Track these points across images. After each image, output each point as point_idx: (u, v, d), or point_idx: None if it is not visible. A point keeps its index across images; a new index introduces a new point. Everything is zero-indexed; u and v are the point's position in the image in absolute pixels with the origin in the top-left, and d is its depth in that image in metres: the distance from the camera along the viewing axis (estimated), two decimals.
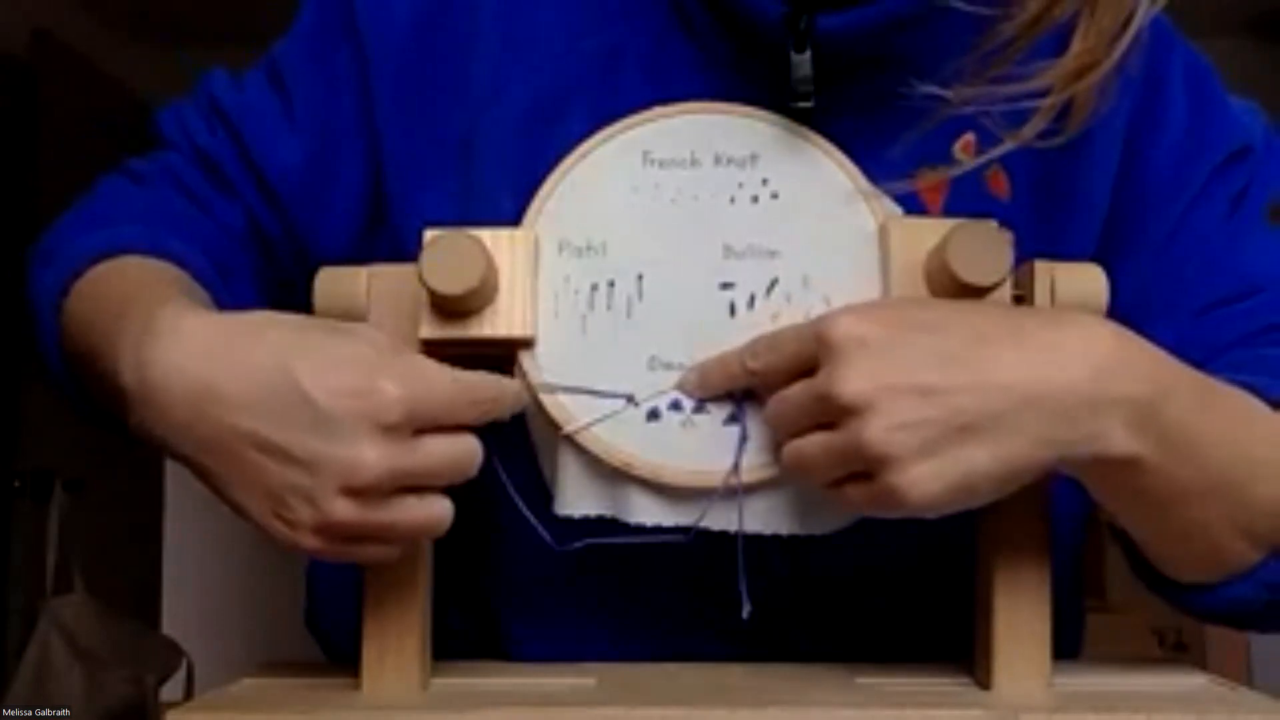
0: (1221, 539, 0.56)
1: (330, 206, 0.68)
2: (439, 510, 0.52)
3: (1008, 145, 0.57)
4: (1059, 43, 0.56)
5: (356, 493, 0.49)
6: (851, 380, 0.50)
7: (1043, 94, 0.55)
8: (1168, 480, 0.53)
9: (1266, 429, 0.56)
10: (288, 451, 0.49)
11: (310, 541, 0.51)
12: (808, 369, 0.53)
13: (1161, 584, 0.61)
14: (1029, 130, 0.56)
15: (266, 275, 0.70)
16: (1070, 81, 0.56)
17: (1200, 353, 0.63)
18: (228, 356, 0.50)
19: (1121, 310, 0.59)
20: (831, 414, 0.51)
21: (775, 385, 0.55)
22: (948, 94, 0.56)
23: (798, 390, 0.54)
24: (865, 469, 0.51)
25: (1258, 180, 0.68)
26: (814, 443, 0.53)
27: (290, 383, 0.49)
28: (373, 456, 0.49)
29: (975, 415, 0.50)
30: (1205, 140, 0.67)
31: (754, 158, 0.61)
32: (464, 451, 0.52)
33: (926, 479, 0.50)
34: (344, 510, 0.49)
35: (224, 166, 0.70)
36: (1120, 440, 0.51)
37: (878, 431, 0.50)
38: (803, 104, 0.60)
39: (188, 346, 0.51)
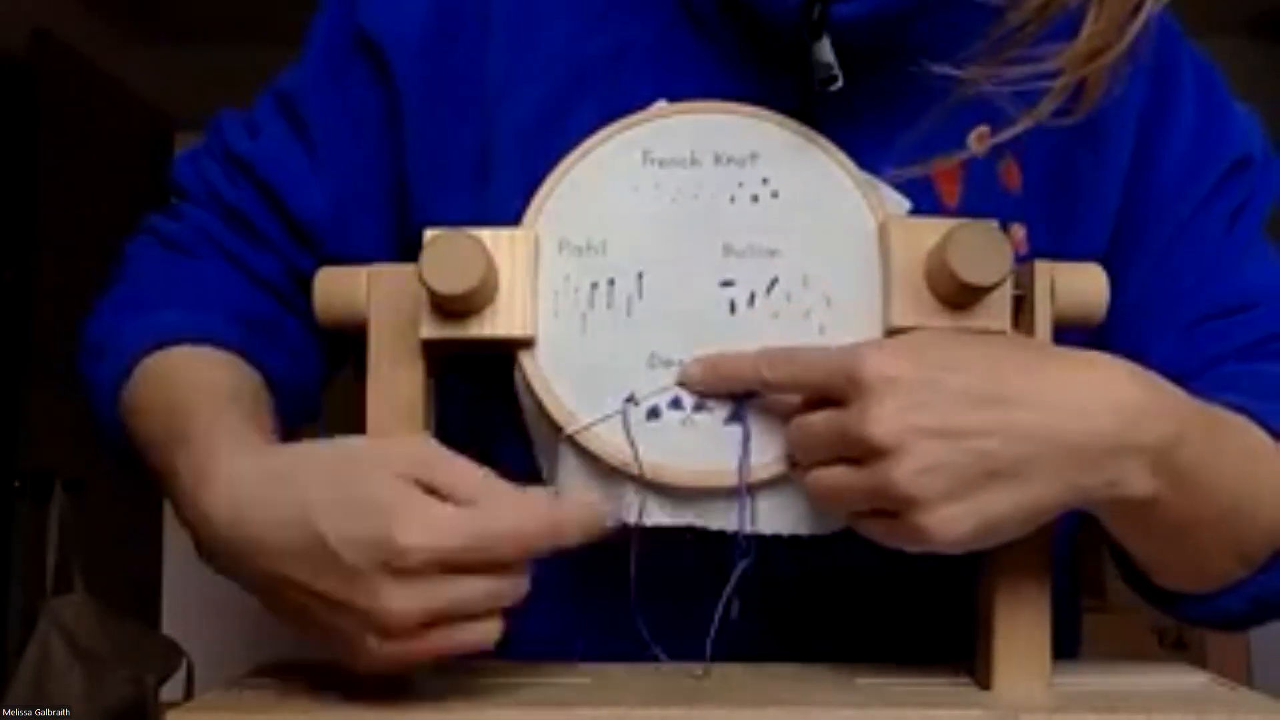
0: (1218, 560, 0.58)
1: (364, 233, 0.68)
2: (485, 633, 0.52)
3: (1023, 124, 0.57)
4: (1071, 27, 0.57)
5: (391, 633, 0.50)
6: (881, 421, 0.50)
7: (1053, 76, 0.56)
8: (1178, 515, 0.54)
9: (1263, 455, 0.58)
10: (324, 596, 0.51)
11: (368, 669, 0.52)
12: (827, 394, 0.54)
13: (1153, 593, 0.63)
14: (1042, 109, 0.57)
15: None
16: (1081, 64, 0.56)
17: (1194, 363, 0.64)
18: (261, 508, 0.52)
19: (1124, 312, 0.59)
20: (858, 451, 0.52)
21: (787, 398, 0.56)
22: (960, 74, 0.57)
23: (823, 422, 0.54)
24: (891, 507, 0.52)
25: (1257, 192, 0.69)
26: (839, 476, 0.53)
27: (314, 535, 0.50)
28: (398, 603, 0.49)
29: (1002, 460, 0.50)
30: (1212, 146, 0.68)
31: (754, 157, 0.61)
32: (500, 589, 0.51)
33: (951, 521, 0.51)
34: (386, 649, 0.51)
35: (253, 219, 0.70)
36: (1140, 483, 0.52)
37: (905, 474, 0.50)
38: (832, 87, 0.59)
39: (229, 496, 0.54)
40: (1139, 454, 0.52)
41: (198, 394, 0.61)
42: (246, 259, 0.70)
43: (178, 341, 0.65)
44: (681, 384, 0.58)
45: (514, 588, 0.51)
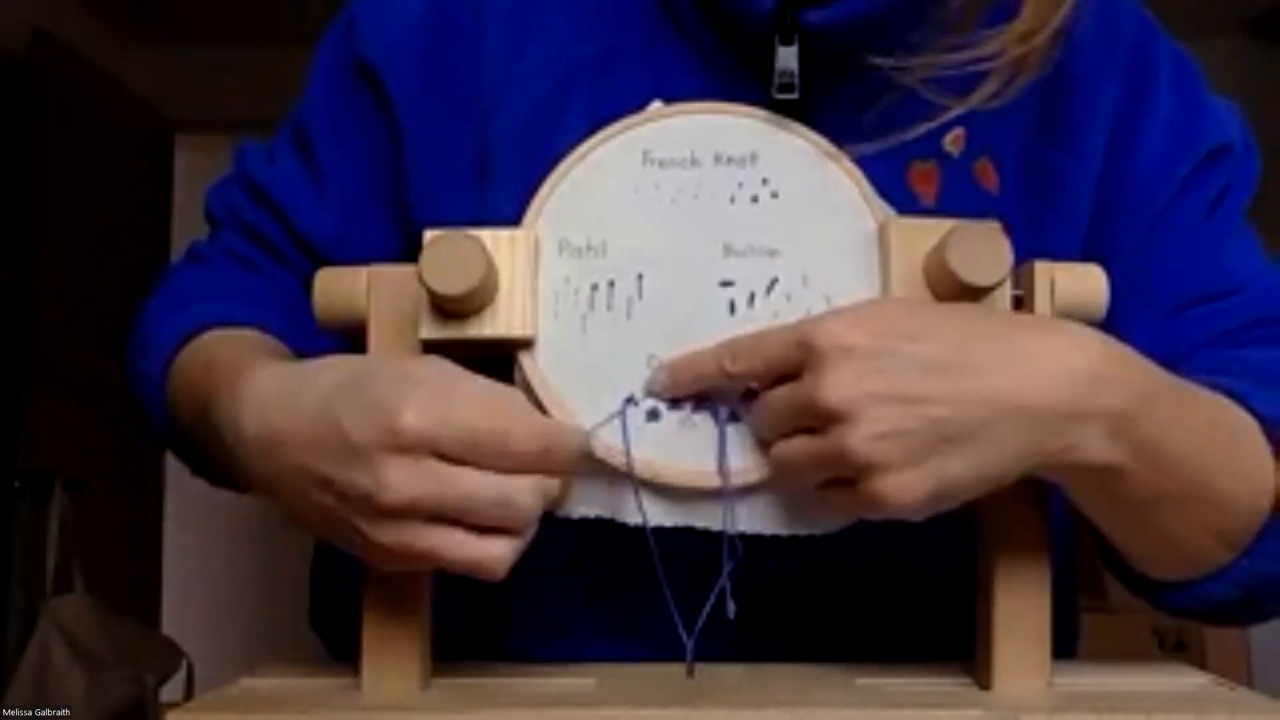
0: (1196, 541, 0.57)
1: (373, 247, 0.70)
2: (491, 551, 0.51)
3: (957, 110, 0.60)
4: (1004, 14, 0.60)
5: (389, 514, 0.50)
6: (835, 388, 0.50)
7: (991, 60, 0.59)
8: (1144, 487, 0.54)
9: (1243, 437, 0.57)
10: (330, 481, 0.51)
11: (373, 560, 0.53)
12: (786, 369, 0.53)
13: (1137, 582, 0.62)
14: (978, 95, 0.60)
15: None
16: (1018, 44, 0.59)
17: (1177, 348, 0.64)
18: (287, 403, 0.53)
19: (1109, 302, 0.59)
20: (815, 420, 0.52)
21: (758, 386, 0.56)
22: (907, 64, 0.59)
23: (782, 394, 0.54)
24: (848, 474, 0.52)
25: (1237, 180, 0.69)
26: (797, 447, 0.53)
27: (332, 421, 0.51)
28: (395, 480, 0.49)
29: (956, 426, 0.50)
30: (1189, 137, 0.68)
31: (754, 157, 0.61)
32: (505, 491, 0.50)
33: (907, 486, 0.51)
34: (385, 533, 0.51)
35: (271, 239, 0.74)
36: (1098, 449, 0.52)
37: (860, 440, 0.50)
38: (785, 96, 0.60)
39: (259, 399, 0.55)
40: (1095, 420, 0.51)
41: (230, 349, 0.65)
42: (266, 268, 0.75)
43: (208, 328, 0.69)
44: (649, 388, 0.58)
45: (513, 491, 0.50)
